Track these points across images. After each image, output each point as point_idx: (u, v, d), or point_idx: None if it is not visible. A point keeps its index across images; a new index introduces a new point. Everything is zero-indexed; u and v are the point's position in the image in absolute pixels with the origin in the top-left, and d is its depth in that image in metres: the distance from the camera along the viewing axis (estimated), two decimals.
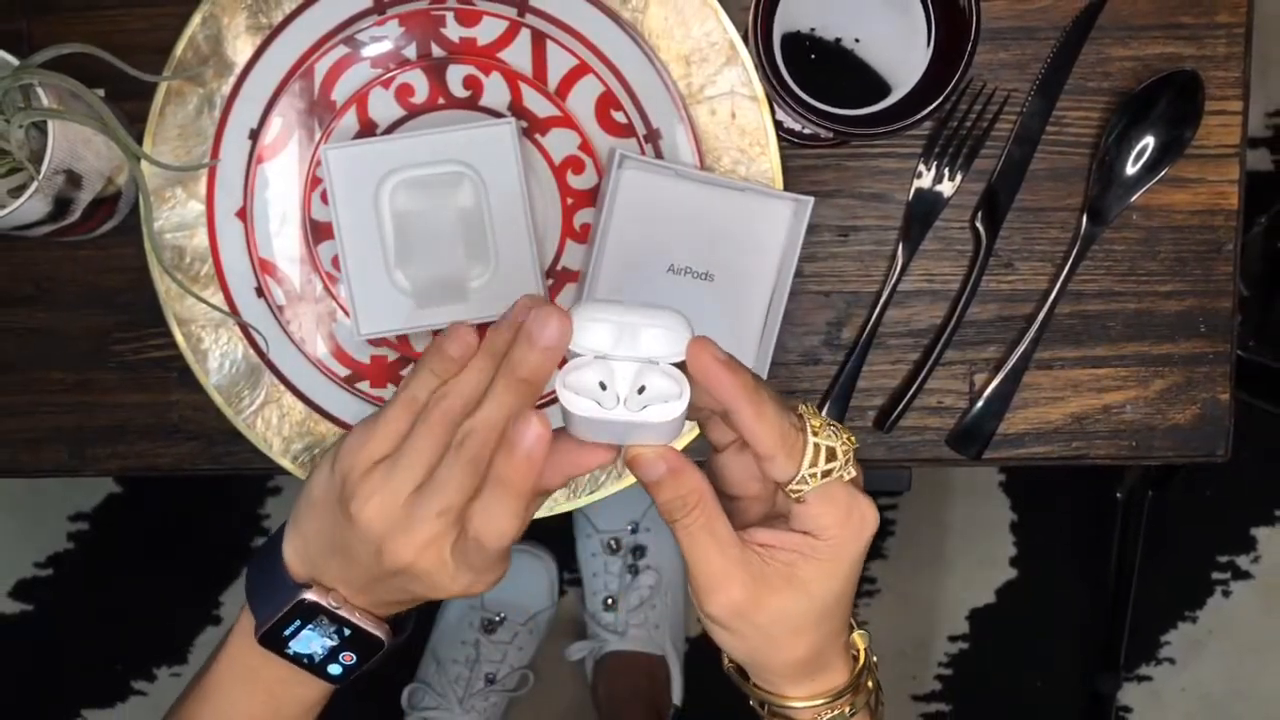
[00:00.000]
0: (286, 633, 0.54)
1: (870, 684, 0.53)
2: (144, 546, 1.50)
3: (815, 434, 0.47)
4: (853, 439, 0.48)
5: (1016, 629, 1.48)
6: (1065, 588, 1.48)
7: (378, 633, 0.53)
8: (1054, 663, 1.49)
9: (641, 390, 0.44)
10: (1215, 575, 1.48)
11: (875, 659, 0.54)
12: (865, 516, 0.48)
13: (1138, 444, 0.71)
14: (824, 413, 0.69)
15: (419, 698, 1.35)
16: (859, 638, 0.53)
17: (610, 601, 1.37)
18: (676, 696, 1.37)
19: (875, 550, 1.48)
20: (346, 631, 0.53)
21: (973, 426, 0.70)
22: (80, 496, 1.48)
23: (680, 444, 0.68)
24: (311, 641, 0.54)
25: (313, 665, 0.55)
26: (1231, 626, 1.49)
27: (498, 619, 1.36)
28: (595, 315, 0.44)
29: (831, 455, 0.47)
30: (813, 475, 0.46)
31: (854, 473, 0.48)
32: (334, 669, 0.55)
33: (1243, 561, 1.48)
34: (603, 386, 0.45)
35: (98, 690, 1.51)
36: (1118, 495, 1.41)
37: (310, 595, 0.53)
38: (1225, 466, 0.72)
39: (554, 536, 1.42)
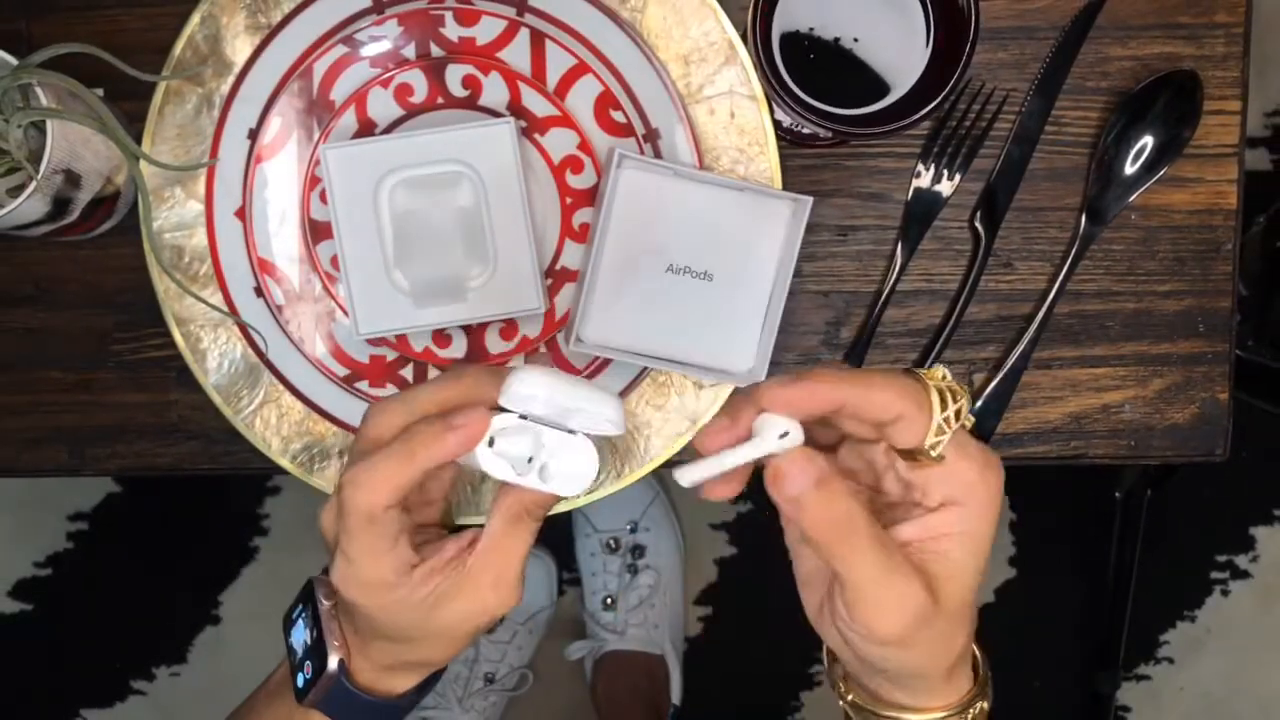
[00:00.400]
0: (293, 615, 0.54)
1: (985, 706, 0.49)
2: (143, 546, 1.50)
3: (933, 379, 0.44)
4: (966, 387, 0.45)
5: (1015, 628, 1.48)
6: (1064, 587, 1.48)
7: (331, 653, 0.51)
8: (1053, 662, 1.49)
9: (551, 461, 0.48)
10: (1214, 575, 1.49)
11: (989, 674, 0.50)
12: (998, 465, 0.45)
13: (1136, 443, 0.71)
14: None
15: None
16: (979, 651, 0.49)
17: (609, 601, 1.37)
18: (675, 696, 1.37)
19: None
20: (315, 634, 0.52)
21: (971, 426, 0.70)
22: (79, 496, 1.48)
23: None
24: (299, 634, 0.53)
25: (293, 667, 0.54)
26: (1230, 626, 1.49)
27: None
28: (530, 389, 0.46)
29: (955, 395, 0.43)
30: (946, 421, 0.43)
31: (971, 421, 0.45)
32: (300, 678, 0.53)
33: (1241, 561, 1.48)
34: (529, 461, 0.47)
35: (97, 690, 1.51)
36: (1116, 495, 1.41)
37: (316, 580, 0.53)
38: (1224, 466, 0.72)
39: (553, 536, 1.42)
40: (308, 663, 0.52)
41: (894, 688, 0.48)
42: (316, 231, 0.67)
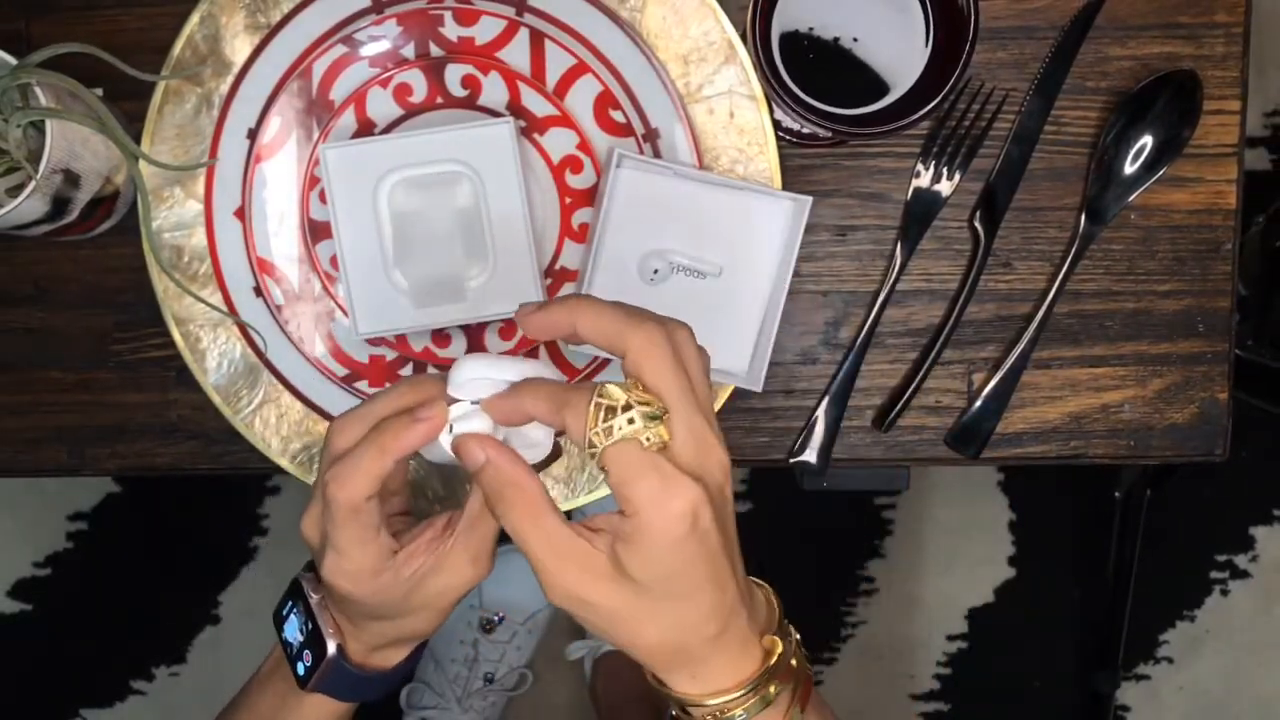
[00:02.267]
0: (284, 612, 0.59)
1: (793, 663, 0.49)
2: (143, 546, 1.50)
3: (600, 395, 0.45)
4: (657, 403, 0.45)
5: (1015, 628, 1.48)
6: (1063, 587, 1.48)
7: (328, 639, 0.56)
8: (1052, 662, 1.49)
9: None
10: (1213, 574, 1.49)
11: (801, 657, 0.50)
12: (674, 488, 0.44)
13: (1136, 443, 0.71)
14: (821, 410, 0.69)
15: (417, 697, 1.35)
16: (771, 640, 0.49)
17: None
18: None
19: (873, 549, 1.48)
20: (310, 626, 0.57)
21: (971, 426, 0.70)
22: (79, 496, 1.48)
23: None
24: (293, 628, 0.58)
25: (290, 658, 0.59)
26: (1230, 626, 1.49)
27: (496, 618, 1.36)
28: (472, 374, 0.50)
29: (612, 411, 0.45)
30: (598, 435, 0.44)
31: (654, 439, 0.45)
32: (299, 667, 0.58)
33: (1241, 560, 1.48)
34: None
35: (96, 690, 1.51)
36: (1116, 494, 1.41)
37: (302, 576, 0.58)
38: (1223, 466, 0.72)
39: None
40: (306, 652, 0.57)
41: (654, 671, 0.49)
42: (316, 231, 0.67)
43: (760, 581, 0.52)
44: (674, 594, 0.46)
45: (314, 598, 0.58)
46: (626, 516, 0.45)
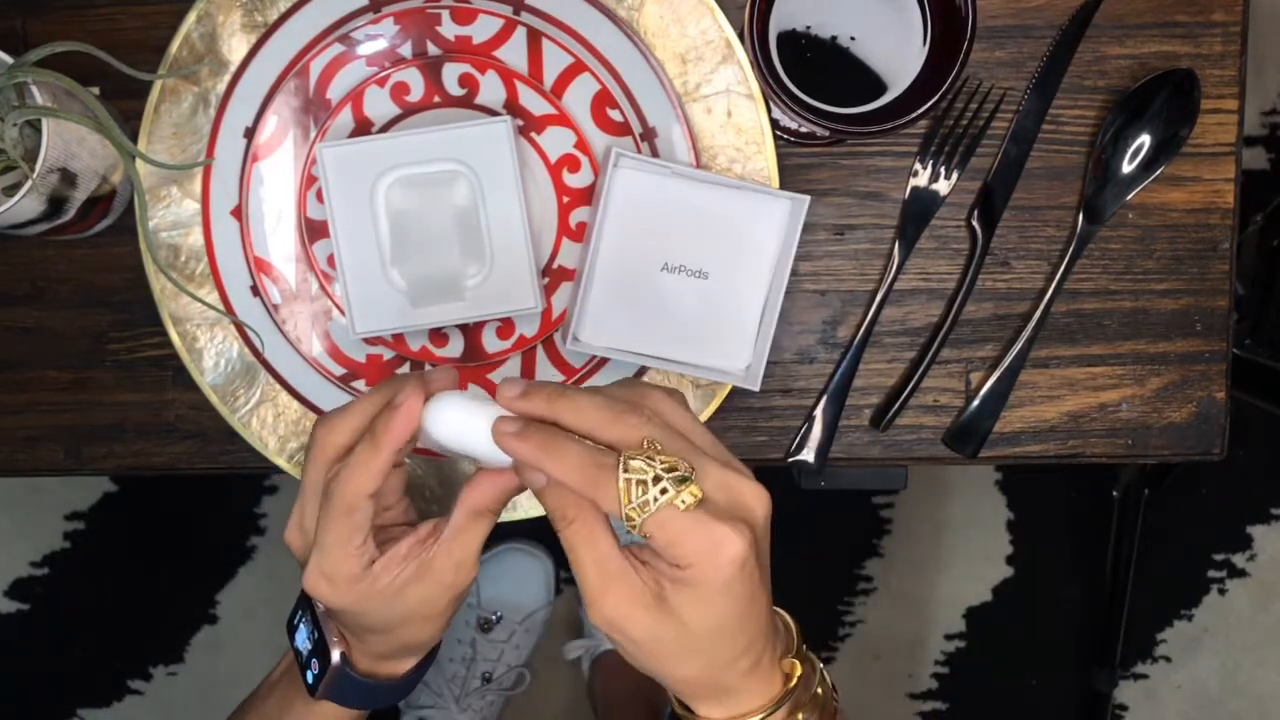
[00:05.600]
0: (294, 620, 0.59)
1: (819, 691, 0.51)
2: (140, 546, 1.50)
3: (626, 470, 0.46)
4: (682, 464, 0.46)
5: (1013, 627, 1.48)
6: (1062, 586, 1.48)
7: (332, 648, 0.57)
8: (1050, 661, 1.49)
9: None
10: (1211, 573, 1.49)
11: (826, 686, 0.52)
12: (720, 540, 0.46)
13: (1134, 442, 0.71)
14: (818, 409, 0.69)
15: (415, 696, 1.35)
16: (790, 664, 0.51)
17: None
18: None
19: (872, 549, 1.49)
20: (316, 635, 0.58)
21: (969, 425, 0.70)
22: (76, 495, 1.48)
23: None
24: (302, 637, 0.59)
25: (301, 666, 0.59)
26: (1227, 624, 1.49)
27: (494, 618, 1.36)
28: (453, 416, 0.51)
29: (645, 485, 0.45)
30: (635, 510, 0.45)
31: (690, 499, 0.46)
32: (308, 675, 0.58)
33: (1238, 559, 1.48)
34: None
35: (94, 689, 1.51)
36: (1114, 493, 1.41)
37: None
38: (1221, 465, 0.72)
39: (551, 535, 1.42)
40: (314, 660, 0.58)
41: (682, 698, 0.51)
42: (313, 230, 0.67)
43: (779, 609, 0.53)
44: (717, 635, 0.47)
45: (320, 607, 0.58)
46: (679, 567, 0.46)
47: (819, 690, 0.51)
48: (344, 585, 0.52)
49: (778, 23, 0.62)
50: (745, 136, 0.67)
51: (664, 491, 0.45)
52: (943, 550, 1.49)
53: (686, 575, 0.46)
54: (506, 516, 0.69)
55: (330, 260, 0.67)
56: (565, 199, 0.67)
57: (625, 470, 0.46)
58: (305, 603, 0.59)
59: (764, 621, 0.49)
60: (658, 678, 0.50)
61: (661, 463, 0.46)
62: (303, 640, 0.59)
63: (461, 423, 0.51)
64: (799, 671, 0.50)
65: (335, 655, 0.56)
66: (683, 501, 0.45)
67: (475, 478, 0.53)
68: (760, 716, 0.49)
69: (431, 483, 0.69)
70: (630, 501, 0.45)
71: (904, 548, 1.48)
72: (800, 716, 0.50)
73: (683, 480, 0.46)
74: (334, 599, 0.53)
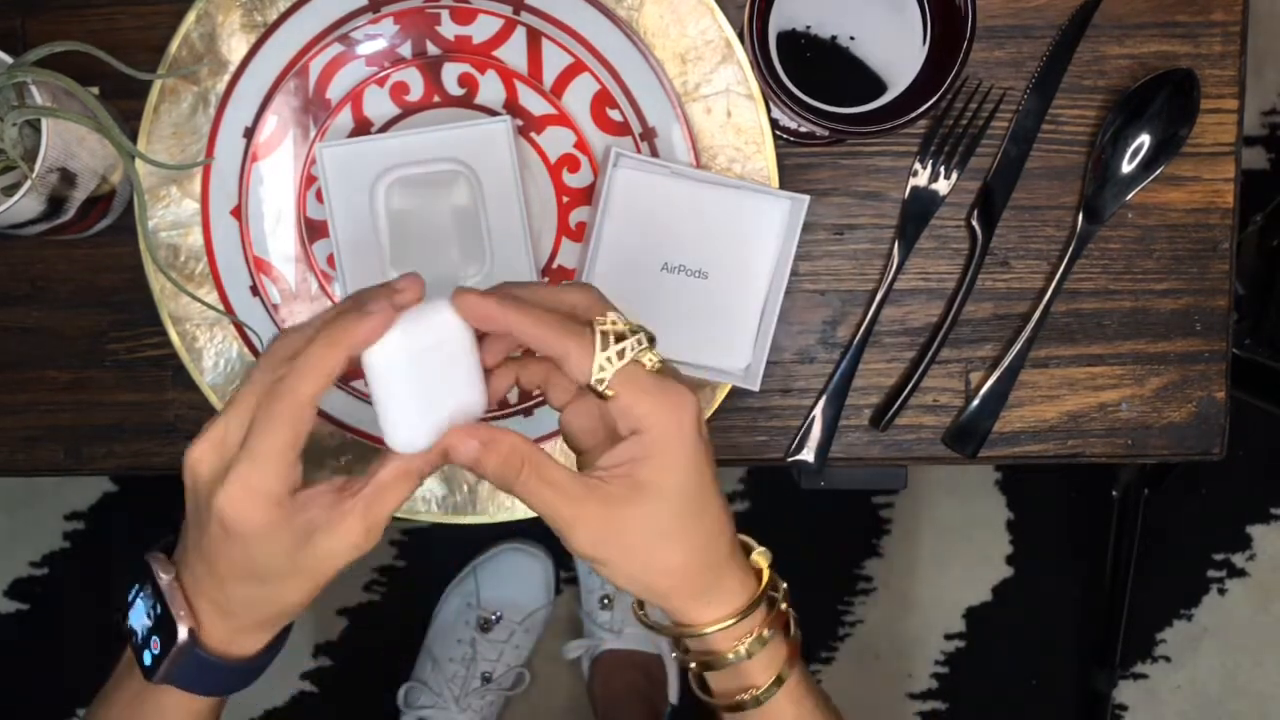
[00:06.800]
0: (130, 597, 0.54)
1: (784, 607, 0.53)
2: (140, 546, 1.49)
3: (601, 324, 0.48)
4: (647, 332, 0.49)
5: (1012, 627, 1.48)
6: (1061, 586, 1.48)
7: (180, 623, 0.51)
8: (1050, 661, 1.49)
9: None
10: (1211, 573, 1.49)
11: (785, 585, 0.54)
12: (681, 398, 0.48)
13: (1133, 442, 0.71)
14: (818, 409, 0.69)
15: (415, 697, 1.35)
16: (759, 556, 0.53)
17: (606, 600, 1.37)
18: (673, 695, 1.37)
19: (871, 548, 1.49)
20: (159, 609, 0.52)
21: (969, 425, 0.70)
22: (76, 495, 1.48)
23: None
24: (139, 614, 0.53)
25: (137, 648, 0.53)
26: (1227, 624, 1.49)
27: (494, 617, 1.36)
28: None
29: (621, 337, 0.48)
30: (609, 360, 0.47)
31: (654, 360, 0.49)
32: (146, 655, 0.52)
33: (1238, 559, 1.48)
34: None
35: (93, 690, 1.51)
36: (1113, 493, 1.41)
37: (151, 556, 0.53)
38: (1221, 464, 0.72)
39: (550, 535, 1.42)
40: (154, 639, 0.52)
41: (665, 608, 0.52)
42: (313, 230, 0.67)
43: None
44: (694, 503, 0.49)
45: (164, 579, 0.52)
46: (639, 435, 0.48)
47: (783, 606, 0.53)
48: (265, 504, 0.47)
49: (777, 22, 0.62)
50: (745, 136, 0.67)
51: (639, 344, 0.48)
52: (942, 550, 1.48)
53: (648, 442, 0.48)
54: (506, 516, 0.69)
55: (330, 260, 0.67)
56: (565, 199, 0.67)
57: (601, 324, 0.48)
58: (144, 575, 0.53)
59: (724, 503, 0.51)
60: (652, 589, 0.50)
61: (628, 325, 0.49)
62: (139, 618, 0.52)
63: (419, 354, 0.48)
64: (767, 562, 0.53)
65: (183, 631, 0.50)
66: (649, 360, 0.48)
67: None
68: (749, 609, 0.51)
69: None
70: (607, 350, 0.47)
71: (904, 548, 1.48)
72: (784, 607, 0.52)
73: (652, 339, 0.49)
74: (248, 518, 0.47)
